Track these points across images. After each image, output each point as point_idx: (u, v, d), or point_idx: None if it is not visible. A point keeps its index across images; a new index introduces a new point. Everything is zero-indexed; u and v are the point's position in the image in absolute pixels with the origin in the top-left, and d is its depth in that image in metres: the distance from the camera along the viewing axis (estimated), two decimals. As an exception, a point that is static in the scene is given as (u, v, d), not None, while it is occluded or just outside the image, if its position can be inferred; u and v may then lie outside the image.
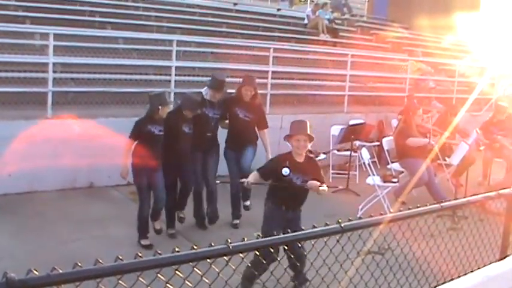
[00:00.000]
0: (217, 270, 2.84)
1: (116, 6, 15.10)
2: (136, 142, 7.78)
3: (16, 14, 12.98)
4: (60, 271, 2.17)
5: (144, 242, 7.78)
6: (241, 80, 9.09)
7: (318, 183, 6.35)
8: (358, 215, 8.67)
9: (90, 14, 14.29)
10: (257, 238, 2.91)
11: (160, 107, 7.72)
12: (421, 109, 11.17)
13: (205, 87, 8.78)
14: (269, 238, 3.07)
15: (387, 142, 11.34)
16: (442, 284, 3.95)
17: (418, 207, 3.77)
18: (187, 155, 8.34)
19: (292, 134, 6.54)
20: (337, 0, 22.40)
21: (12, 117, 9.53)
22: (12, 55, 10.71)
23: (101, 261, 2.32)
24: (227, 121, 8.92)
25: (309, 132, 6.49)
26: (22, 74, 10.77)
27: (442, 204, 3.97)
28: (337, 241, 3.56)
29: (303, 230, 3.32)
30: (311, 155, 6.90)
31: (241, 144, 8.86)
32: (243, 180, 6.78)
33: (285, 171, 6.31)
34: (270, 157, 8.93)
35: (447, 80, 18.20)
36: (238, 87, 8.90)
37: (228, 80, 9.22)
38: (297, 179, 6.43)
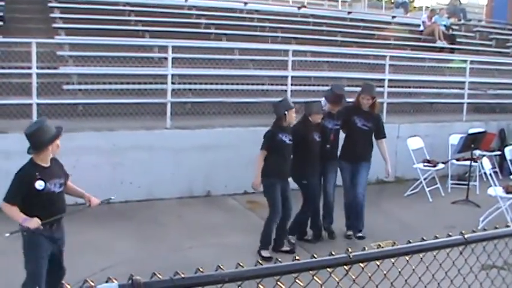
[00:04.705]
0: (336, 279, 2.79)
1: (231, 18, 15.38)
2: (268, 153, 7.65)
3: (136, 28, 13.50)
4: (183, 275, 2.20)
5: (264, 253, 7.66)
6: (358, 88, 8.91)
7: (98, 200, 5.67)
8: (479, 227, 8.34)
9: (205, 27, 14.61)
10: (377, 248, 2.83)
11: (286, 112, 7.64)
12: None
13: (324, 98, 8.62)
14: (389, 248, 2.97)
15: (510, 151, 10.89)
16: None
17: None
18: (317, 166, 8.22)
19: None
20: (454, 6, 21.78)
21: (134, 128, 9.90)
22: (133, 68, 11.16)
23: (222, 267, 2.33)
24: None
25: None
26: (142, 86, 11.22)
27: None
28: (460, 253, 3.41)
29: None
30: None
31: (358, 156, 8.56)
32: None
33: (40, 184, 5.23)
34: (390, 168, 8.78)
35: None
36: (357, 96, 8.68)
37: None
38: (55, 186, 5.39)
